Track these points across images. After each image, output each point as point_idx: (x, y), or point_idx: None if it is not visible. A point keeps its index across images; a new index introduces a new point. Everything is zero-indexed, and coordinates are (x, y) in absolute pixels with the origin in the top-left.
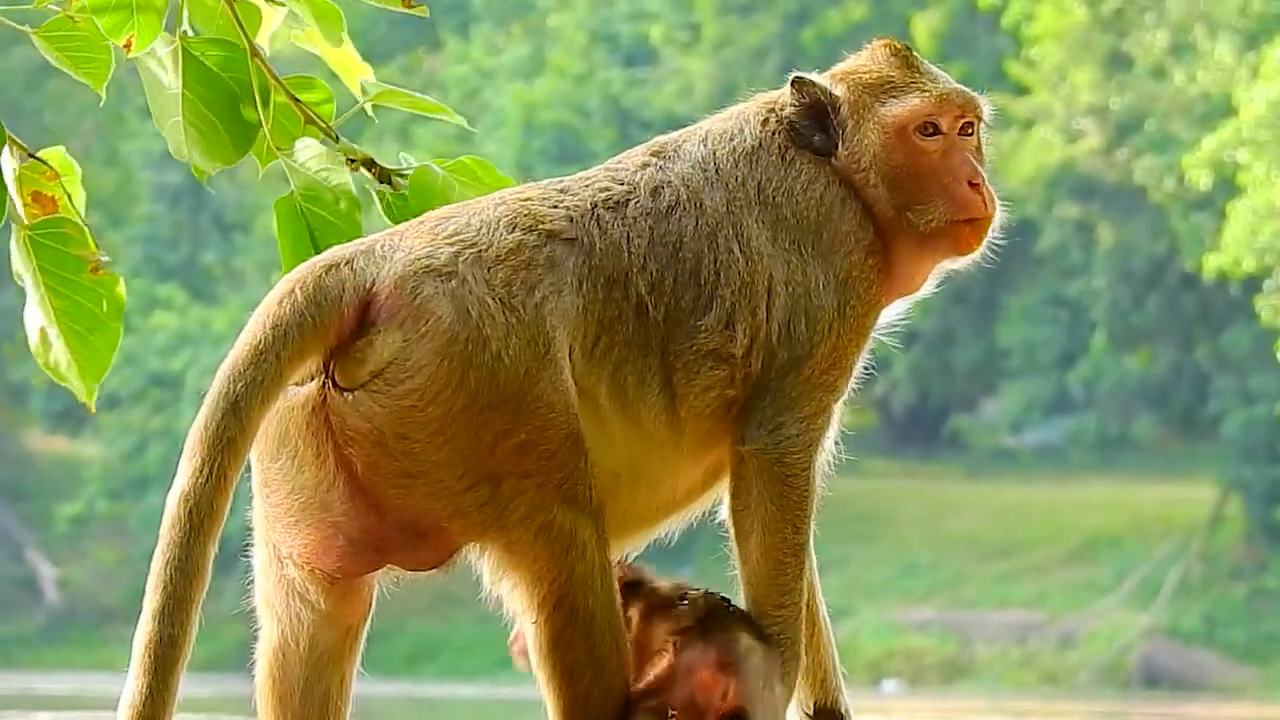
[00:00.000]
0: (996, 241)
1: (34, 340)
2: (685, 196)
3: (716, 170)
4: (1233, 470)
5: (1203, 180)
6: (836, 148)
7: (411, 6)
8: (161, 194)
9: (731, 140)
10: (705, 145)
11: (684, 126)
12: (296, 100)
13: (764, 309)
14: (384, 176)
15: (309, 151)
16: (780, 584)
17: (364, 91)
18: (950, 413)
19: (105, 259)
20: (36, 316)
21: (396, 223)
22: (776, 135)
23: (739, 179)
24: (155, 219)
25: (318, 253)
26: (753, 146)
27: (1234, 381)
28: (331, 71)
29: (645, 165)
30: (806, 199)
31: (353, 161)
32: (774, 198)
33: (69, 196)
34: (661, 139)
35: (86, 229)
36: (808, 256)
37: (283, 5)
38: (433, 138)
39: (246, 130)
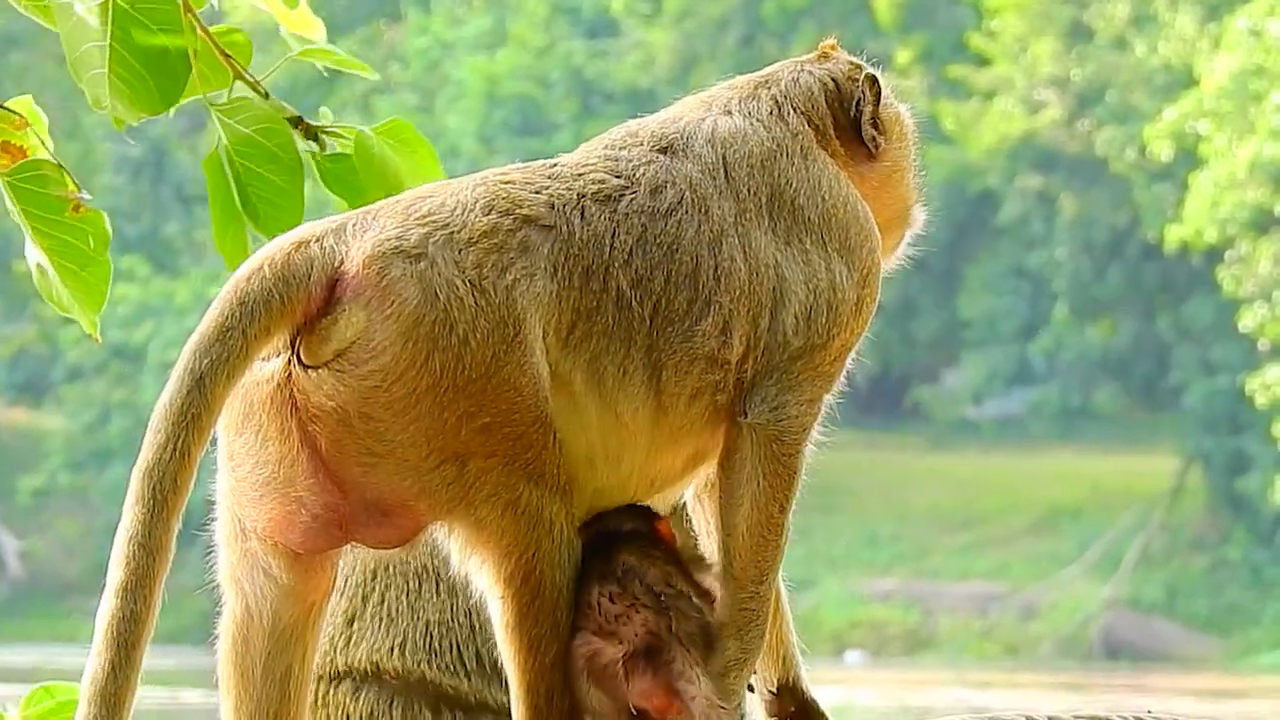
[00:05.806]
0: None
1: (35, 275)
2: (690, 200)
3: (727, 177)
4: (1194, 441)
5: (1164, 151)
6: (878, 145)
7: None
8: (123, 166)
9: (746, 143)
10: (714, 148)
11: (645, 98)
12: (228, 56)
13: (766, 317)
14: (311, 133)
15: (244, 110)
16: (760, 560)
17: (289, 48)
18: (912, 384)
19: (86, 196)
20: (34, 253)
21: (330, 186)
22: (800, 135)
23: (751, 189)
24: (117, 191)
25: (247, 211)
26: (770, 150)
27: (1195, 352)
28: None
29: (649, 162)
30: (833, 198)
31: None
32: (794, 200)
33: (41, 142)
34: (669, 129)
35: (63, 169)
36: (831, 252)
37: None
38: (394, 109)
39: (175, 81)
